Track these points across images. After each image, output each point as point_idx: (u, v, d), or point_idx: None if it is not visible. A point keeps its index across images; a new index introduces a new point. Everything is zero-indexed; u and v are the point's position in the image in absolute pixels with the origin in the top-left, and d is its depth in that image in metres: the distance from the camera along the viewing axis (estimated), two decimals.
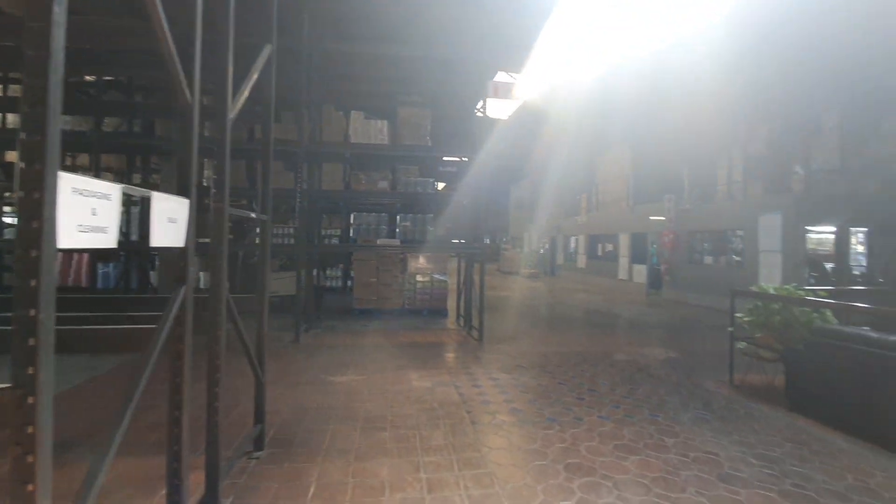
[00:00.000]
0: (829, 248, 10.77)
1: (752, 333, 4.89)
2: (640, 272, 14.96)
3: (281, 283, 9.08)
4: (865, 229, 10.11)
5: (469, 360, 5.93)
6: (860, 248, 10.50)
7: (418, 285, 9.70)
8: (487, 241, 49.04)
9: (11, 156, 9.69)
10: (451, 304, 9.76)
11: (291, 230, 8.91)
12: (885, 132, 10.04)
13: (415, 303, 9.67)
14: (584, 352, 6.54)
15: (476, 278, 7.66)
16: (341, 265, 13.53)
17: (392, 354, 6.13)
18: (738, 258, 11.39)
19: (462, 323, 8.40)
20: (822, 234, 10.68)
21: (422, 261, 10.14)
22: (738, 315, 4.96)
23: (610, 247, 17.62)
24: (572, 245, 21.39)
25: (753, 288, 4.96)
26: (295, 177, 8.35)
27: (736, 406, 4.40)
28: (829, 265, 11.21)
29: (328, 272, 13.30)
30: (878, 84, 10.49)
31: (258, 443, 3.38)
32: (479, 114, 18.52)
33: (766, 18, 10.94)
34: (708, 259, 12.41)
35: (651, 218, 14.41)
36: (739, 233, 11.15)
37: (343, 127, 9.44)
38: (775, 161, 11.37)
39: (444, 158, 16.08)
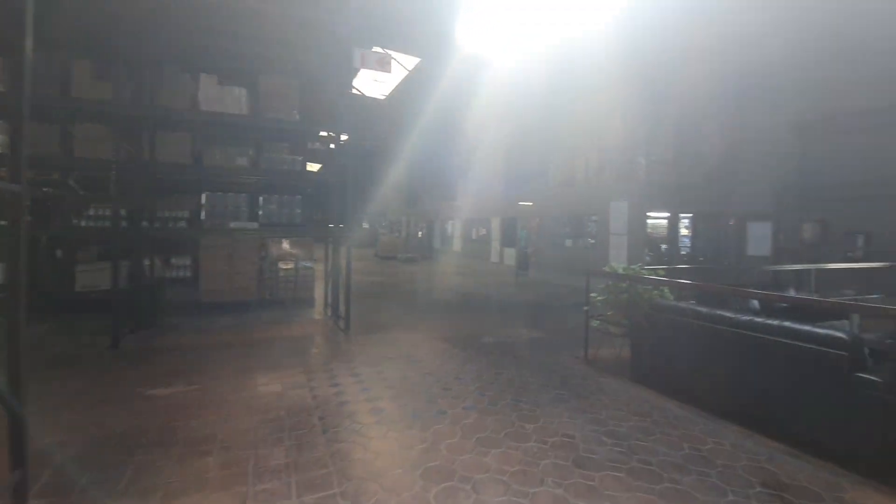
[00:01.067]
0: (663, 231, 12.36)
1: (605, 311, 5.17)
2: (511, 255, 15.69)
3: (101, 276, 7.46)
4: (690, 215, 11.74)
5: (332, 355, 5.39)
6: (685, 232, 12.21)
7: (281, 273, 8.77)
8: (367, 225, 47.99)
9: None
10: (319, 292, 9.05)
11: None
12: (705, 132, 11.71)
13: (277, 293, 8.73)
14: (454, 337, 6.43)
15: (343, 263, 7.08)
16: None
17: (240, 355, 5.31)
18: (592, 241, 12.46)
19: (329, 313, 7.78)
20: (658, 220, 12.20)
21: (286, 246, 9.22)
22: (592, 295, 5.20)
23: (483, 231, 18.21)
24: (449, 229, 21.74)
25: (605, 269, 5.24)
26: (116, 146, 6.85)
27: (589, 382, 4.59)
28: (663, 247, 12.85)
29: (174, 261, 11.47)
30: (698, 85, 12.14)
31: (19, 495, 2.49)
32: (353, 91, 17.50)
33: (623, 18, 11.94)
34: (569, 242, 13.41)
35: (521, 203, 15.12)
36: (594, 217, 12.18)
37: (191, 91, 8.00)
38: (624, 152, 12.62)
39: (321, 134, 14.96)
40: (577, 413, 3.80)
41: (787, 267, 8.06)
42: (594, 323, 5.01)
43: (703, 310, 4.06)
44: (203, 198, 11.74)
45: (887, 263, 8.11)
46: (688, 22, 10.89)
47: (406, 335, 6.49)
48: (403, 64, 16.78)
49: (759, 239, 11.13)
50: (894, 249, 8.70)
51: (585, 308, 5.29)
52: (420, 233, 24.98)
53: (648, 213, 10.84)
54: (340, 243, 7.57)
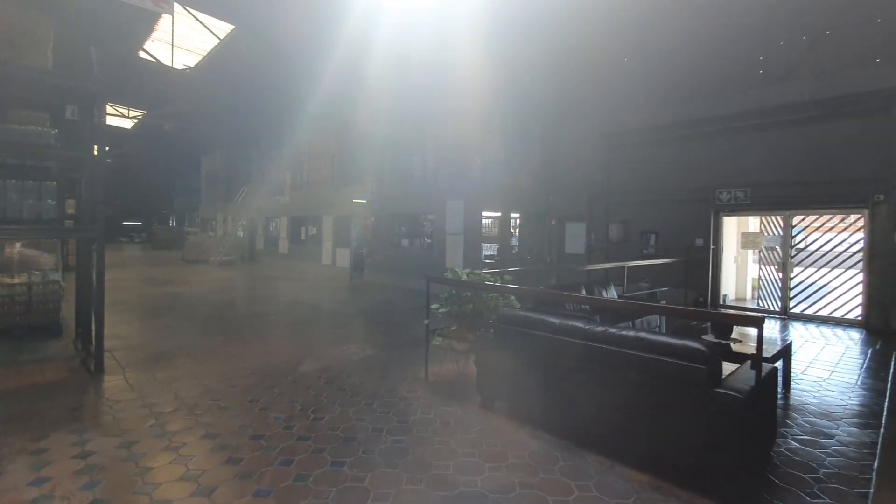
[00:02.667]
0: (495, 231, 12.60)
1: (448, 326, 4.42)
2: (345, 256, 14.41)
3: None
4: (518, 215, 12.16)
5: (55, 421, 3.49)
6: (514, 232, 12.64)
7: (5, 290, 5.99)
8: (174, 223, 40.77)
9: None
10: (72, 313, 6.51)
11: None
12: (530, 135, 12.25)
13: (2, 317, 5.94)
14: (263, 367, 4.99)
15: (94, 273, 5.00)
16: None
17: None
18: (429, 240, 12.02)
19: (79, 346, 5.50)
20: (490, 219, 12.38)
21: (19, 252, 6.45)
22: (434, 307, 4.40)
23: (314, 230, 16.51)
24: (274, 228, 19.32)
25: (447, 274, 4.50)
26: None
27: (432, 415, 3.76)
28: (494, 245, 13.12)
29: None
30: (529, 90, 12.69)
31: None
32: (146, 55, 13.91)
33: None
34: (405, 242, 12.77)
35: (355, 200, 13.96)
36: (431, 216, 11.74)
37: None
38: (460, 150, 12.48)
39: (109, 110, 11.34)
40: (420, 469, 2.89)
41: (599, 266, 8.64)
42: (436, 341, 4.20)
43: (554, 320, 3.56)
44: None
45: (673, 259, 9.34)
46: (511, 31, 11.20)
47: (195, 370, 4.80)
48: (214, 31, 14.05)
49: (576, 238, 12.12)
50: (674, 246, 10.14)
51: (426, 322, 4.47)
52: (240, 232, 21.77)
53: (483, 213, 10.81)
54: (89, 244, 5.40)
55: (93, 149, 5.43)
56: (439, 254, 11.14)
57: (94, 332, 4.74)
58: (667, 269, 9.42)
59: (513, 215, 11.83)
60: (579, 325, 3.45)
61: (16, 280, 6.13)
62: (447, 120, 12.48)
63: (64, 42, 10.23)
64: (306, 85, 15.86)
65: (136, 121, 23.14)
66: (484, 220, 11.22)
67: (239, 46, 13.18)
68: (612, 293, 6.67)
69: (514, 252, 12.05)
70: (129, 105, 19.14)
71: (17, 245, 6.28)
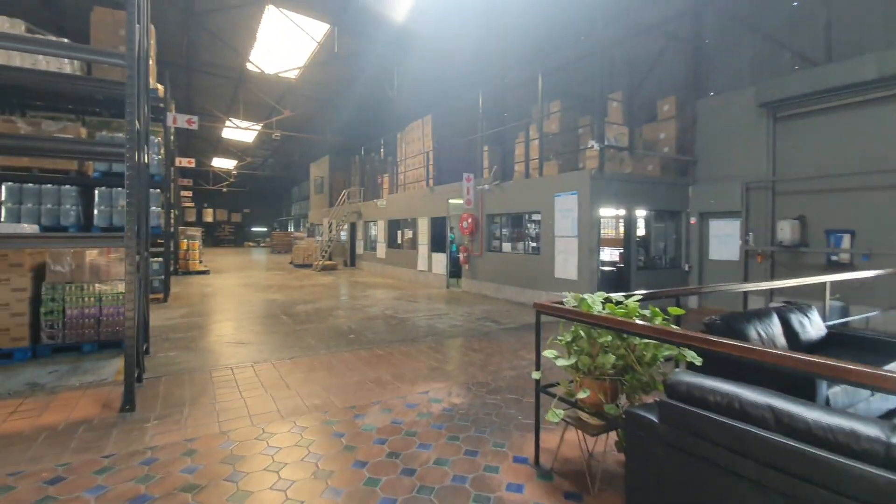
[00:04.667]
0: (615, 232, 10.42)
1: (572, 385, 2.76)
2: (441, 262, 13.25)
3: None
4: (645, 212, 9.87)
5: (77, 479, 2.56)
6: (640, 233, 10.34)
7: (69, 303, 5.67)
8: (277, 227, 43.76)
9: None
10: (159, 324, 6.06)
11: None
12: (663, 110, 9.90)
13: (64, 334, 5.63)
14: (310, 408, 3.79)
15: (134, 285, 4.21)
16: None
17: None
18: (535, 244, 10.29)
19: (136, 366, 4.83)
20: (610, 218, 10.24)
21: (90, 261, 6.12)
22: (549, 354, 2.77)
23: (410, 234, 15.66)
24: (373, 232, 18.98)
25: (566, 301, 2.85)
26: None
27: None
28: (615, 250, 10.94)
29: None
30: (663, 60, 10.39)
31: None
32: (250, 66, 14.08)
33: None
34: (506, 246, 11.18)
35: (450, 201, 12.72)
36: (536, 216, 10.01)
37: None
38: (570, 136, 10.56)
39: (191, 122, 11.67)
40: None
41: (785, 283, 6.19)
42: (553, 417, 2.56)
43: (804, 414, 1.73)
44: (2, 190, 8.33)
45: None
46: None
47: (250, 403, 3.75)
48: (311, 33, 13.83)
49: (724, 240, 9.48)
50: (884, 250, 7.22)
51: (535, 376, 2.87)
52: (343, 237, 21.95)
53: (601, 210, 8.80)
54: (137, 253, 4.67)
55: (143, 157, 4.73)
56: (546, 260, 9.37)
57: (134, 361, 3.95)
58: (876, 282, 6.63)
59: (638, 213, 9.59)
60: (866, 431, 1.58)
61: (92, 291, 5.78)
62: (554, 103, 10.63)
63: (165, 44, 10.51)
64: (400, 80, 15.08)
65: (255, 133, 24.65)
66: (602, 218, 9.18)
67: (334, 46, 12.72)
68: (815, 319, 4.40)
69: (641, 259, 9.79)
70: (245, 118, 20.23)
71: (91, 253, 5.96)
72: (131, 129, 3.75)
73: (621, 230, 9.92)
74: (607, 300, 2.82)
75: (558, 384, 2.86)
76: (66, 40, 5.39)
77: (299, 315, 8.46)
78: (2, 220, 8.21)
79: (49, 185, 8.62)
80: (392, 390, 4.39)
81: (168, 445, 3.19)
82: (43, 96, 9.63)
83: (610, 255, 11.06)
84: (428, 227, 13.92)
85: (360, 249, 20.13)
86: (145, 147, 4.79)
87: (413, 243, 15.13)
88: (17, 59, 6.70)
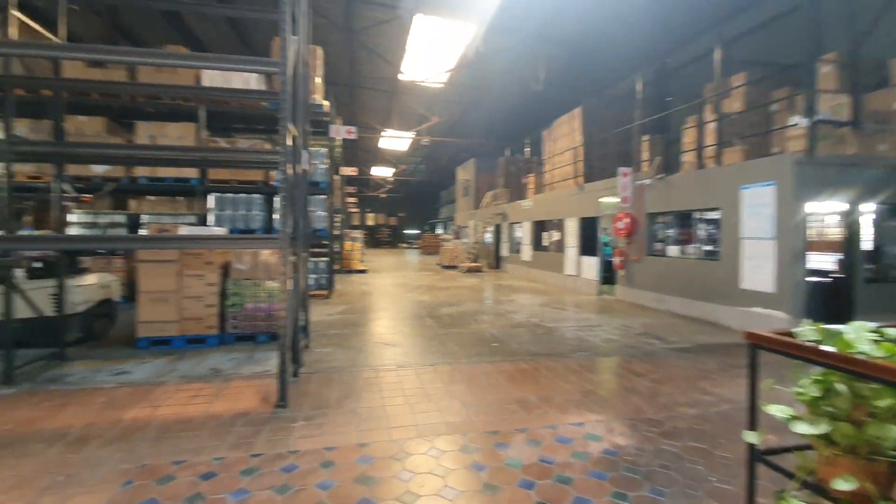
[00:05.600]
0: (837, 232, 8.12)
1: (813, 471, 1.84)
2: (591, 266, 12.12)
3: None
4: (877, 206, 7.48)
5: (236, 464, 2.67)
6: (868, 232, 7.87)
7: (247, 297, 6.34)
8: (428, 229, 45.78)
9: None
10: (320, 319, 6.52)
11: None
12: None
13: (244, 324, 6.33)
14: (462, 425, 3.42)
15: (288, 283, 4.40)
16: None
17: (44, 466, 2.80)
18: (711, 247, 8.61)
19: (292, 362, 5.13)
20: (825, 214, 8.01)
21: (265, 260, 6.78)
22: (773, 411, 1.90)
23: (557, 235, 14.75)
24: (518, 234, 18.48)
25: (799, 333, 1.91)
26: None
27: None
28: (829, 256, 8.64)
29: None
30: None
31: None
32: (402, 77, 14.81)
33: None
34: (672, 249, 9.62)
35: (602, 200, 11.54)
36: (714, 214, 8.36)
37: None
38: (759, 115, 8.61)
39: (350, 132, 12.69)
40: None
41: None
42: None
43: None
44: (211, 200, 9.94)
45: None
46: None
47: (390, 413, 3.59)
48: (458, 37, 13.95)
49: None
50: None
51: (752, 439, 2.01)
52: (488, 239, 21.92)
53: (807, 205, 6.84)
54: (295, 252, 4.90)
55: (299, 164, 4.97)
56: (728, 267, 7.70)
57: (287, 358, 4.11)
58: None
59: (865, 207, 7.29)
60: None
61: (258, 287, 6.40)
62: (736, 77, 8.75)
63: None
64: (546, 73, 14.28)
65: (407, 141, 26.29)
66: (810, 215, 7.16)
67: (479, 46, 12.59)
68: None
69: (869, 268, 7.43)
70: (398, 127, 21.58)
71: (264, 254, 6.61)
72: (283, 134, 3.88)
73: (835, 230, 7.67)
74: (881, 336, 1.82)
75: (790, 452, 1.96)
76: (229, 55, 6.05)
77: (443, 318, 8.38)
78: (211, 223, 9.85)
79: (242, 195, 10.07)
80: (539, 416, 3.80)
81: (309, 452, 3.13)
82: (241, 119, 11.38)
83: (821, 261, 8.67)
84: (577, 229, 12.88)
85: (504, 252, 19.82)
86: (303, 155, 5.04)
87: (560, 246, 14.21)
88: (218, 80, 7.82)
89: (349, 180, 28.08)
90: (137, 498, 2.57)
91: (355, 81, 16.19)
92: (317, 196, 10.49)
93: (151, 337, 5.99)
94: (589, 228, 12.43)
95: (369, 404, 4.04)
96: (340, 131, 11.46)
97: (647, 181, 10.04)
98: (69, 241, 5.88)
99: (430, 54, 14.57)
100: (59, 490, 2.65)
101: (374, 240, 45.56)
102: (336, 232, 15.33)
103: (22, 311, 5.12)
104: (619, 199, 10.49)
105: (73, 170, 8.91)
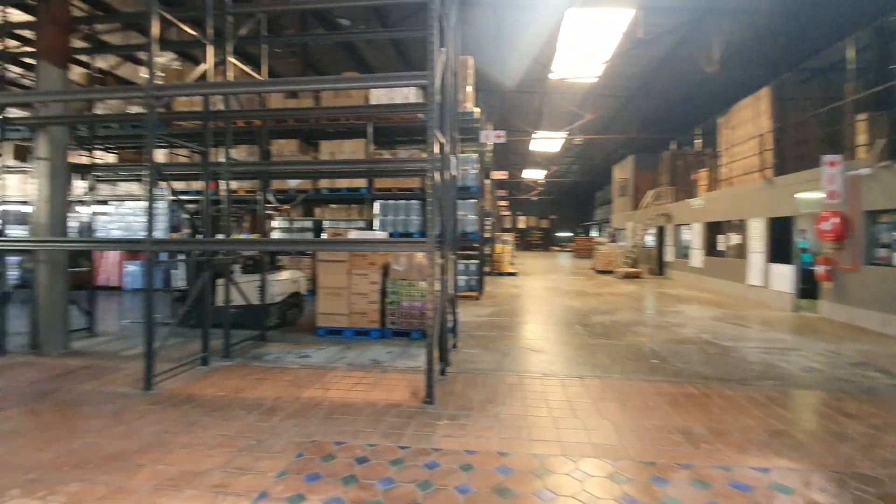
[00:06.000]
0: None
1: None
2: (784, 275, 10.09)
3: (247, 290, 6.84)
4: None
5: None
6: None
7: (403, 296, 6.84)
8: (581, 232, 43.51)
9: None
10: (469, 320, 6.78)
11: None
12: None
13: (400, 320, 6.85)
14: (612, 449, 3.12)
15: (434, 284, 4.60)
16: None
17: (240, 431, 3.43)
18: None
19: (440, 360, 5.36)
20: None
21: (418, 262, 7.23)
22: None
23: (737, 238, 12.67)
24: (685, 237, 16.44)
25: None
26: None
27: None
28: None
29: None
30: None
31: None
32: (551, 75, 14.58)
33: None
34: None
35: (799, 196, 9.52)
36: None
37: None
38: None
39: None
40: None
41: None
42: None
43: None
44: (377, 206, 11.08)
45: None
46: None
47: (532, 424, 3.51)
48: (614, 24, 13.06)
49: None
50: None
51: None
52: (648, 242, 19.98)
53: None
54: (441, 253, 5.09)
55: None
56: None
57: (436, 356, 4.30)
58: None
59: None
60: None
61: (412, 286, 6.84)
62: None
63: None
64: (724, 51, 12.38)
65: (559, 142, 25.58)
66: None
67: (638, 31, 11.53)
68: None
69: None
70: (549, 128, 21.11)
71: (419, 256, 7.05)
72: (431, 142, 4.05)
73: None
74: None
75: None
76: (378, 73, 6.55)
77: (595, 326, 7.87)
78: (376, 228, 10.95)
79: (402, 201, 10.96)
80: (709, 453, 3.25)
81: (451, 452, 3.20)
82: (403, 132, 12.41)
83: None
84: (764, 231, 10.88)
85: (668, 256, 17.83)
86: (451, 162, 5.23)
87: (741, 251, 12.18)
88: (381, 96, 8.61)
89: (500, 184, 28.51)
90: (306, 470, 2.94)
91: (505, 86, 16.33)
92: (468, 200, 10.84)
93: (328, 327, 6.89)
94: (780, 230, 10.37)
95: (512, 412, 3.97)
96: (490, 136, 11.67)
97: (865, 171, 7.94)
98: (272, 243, 7.12)
99: (583, 49, 13.91)
100: (250, 452, 3.19)
101: (526, 243, 45.38)
102: (486, 235, 15.67)
103: (237, 299, 6.36)
104: (823, 195, 8.52)
105: (275, 184, 10.81)
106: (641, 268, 18.50)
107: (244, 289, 6.40)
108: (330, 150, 10.38)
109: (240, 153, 10.41)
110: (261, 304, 6.63)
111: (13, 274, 8.63)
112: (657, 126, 20.08)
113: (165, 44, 6.80)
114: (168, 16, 4.91)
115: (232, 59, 5.83)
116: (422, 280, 6.87)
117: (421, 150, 12.50)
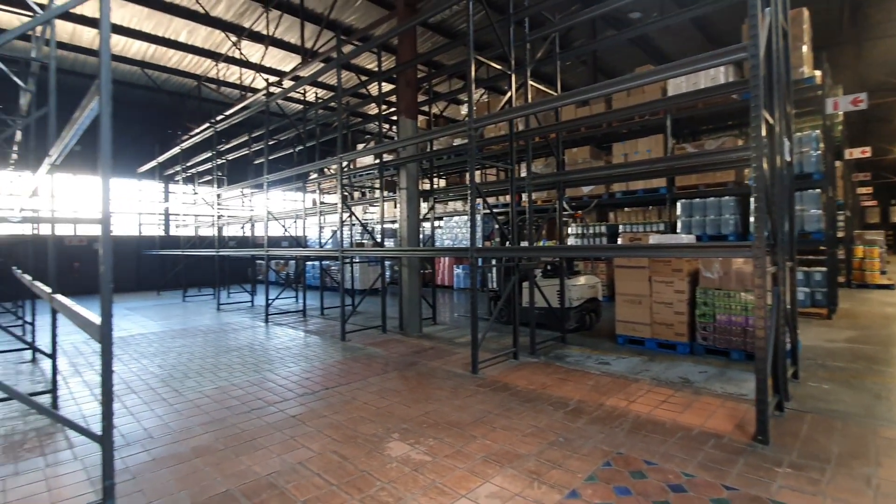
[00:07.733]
0: None
1: None
2: None
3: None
4: None
5: None
6: None
7: (718, 308, 5.88)
8: None
9: None
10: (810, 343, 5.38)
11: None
12: None
13: (715, 337, 5.93)
14: None
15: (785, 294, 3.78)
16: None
17: (552, 425, 3.72)
18: None
19: (774, 391, 4.35)
20: None
21: (737, 270, 6.17)
22: None
23: None
24: None
25: None
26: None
27: None
28: None
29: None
30: None
31: None
32: None
33: None
34: None
35: None
36: None
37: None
38: None
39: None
40: None
41: None
42: None
43: None
44: (679, 207, 10.11)
45: None
46: None
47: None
48: None
49: None
50: None
51: None
52: None
53: None
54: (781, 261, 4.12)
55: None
56: None
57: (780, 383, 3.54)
58: None
59: None
60: None
61: (732, 298, 5.79)
62: None
63: None
64: None
65: None
66: None
67: None
68: None
69: None
70: None
71: (735, 261, 5.91)
72: (755, 125, 3.35)
73: None
74: None
75: None
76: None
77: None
78: (679, 231, 9.93)
79: (711, 199, 9.57)
80: None
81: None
82: (708, 120, 10.86)
83: None
84: None
85: None
86: (785, 145, 4.20)
87: None
88: (699, 82, 7.79)
89: (859, 164, 21.03)
90: (615, 481, 2.90)
91: (861, 36, 12.05)
92: (808, 191, 8.51)
93: (627, 335, 6.65)
94: None
95: (892, 476, 2.86)
96: (841, 103, 8.77)
97: None
98: (568, 249, 7.41)
99: None
100: (559, 448, 3.38)
101: None
102: (839, 234, 11.88)
103: (539, 301, 6.89)
104: None
105: (569, 192, 11.22)
106: None
107: (546, 292, 6.87)
108: (623, 151, 10.04)
109: (537, 166, 11.30)
110: (561, 307, 6.97)
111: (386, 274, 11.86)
112: None
113: (479, 82, 8.05)
114: (481, 58, 5.80)
115: (530, 82, 6.41)
116: (742, 290, 5.78)
117: (735, 136, 10.60)
